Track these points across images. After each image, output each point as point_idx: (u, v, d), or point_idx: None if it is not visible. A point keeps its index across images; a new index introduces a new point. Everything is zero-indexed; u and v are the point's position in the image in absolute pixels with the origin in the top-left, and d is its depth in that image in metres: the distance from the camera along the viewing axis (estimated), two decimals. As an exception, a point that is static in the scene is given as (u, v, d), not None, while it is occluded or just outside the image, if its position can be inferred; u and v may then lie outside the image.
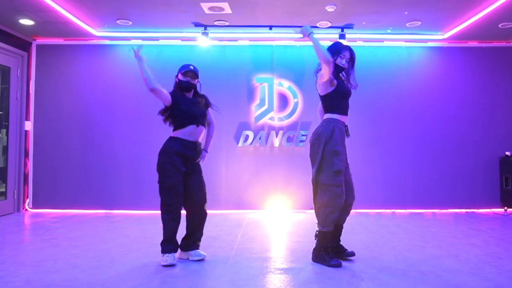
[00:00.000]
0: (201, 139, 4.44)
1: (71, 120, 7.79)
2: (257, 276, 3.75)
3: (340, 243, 4.29)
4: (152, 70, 7.52)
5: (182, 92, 4.36)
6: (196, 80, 4.37)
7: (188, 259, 4.26)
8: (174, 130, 4.34)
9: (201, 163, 4.37)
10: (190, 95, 4.39)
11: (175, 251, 4.21)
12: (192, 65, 4.37)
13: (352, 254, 4.23)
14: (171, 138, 4.30)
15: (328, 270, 3.91)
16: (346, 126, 4.15)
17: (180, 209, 4.20)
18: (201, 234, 4.37)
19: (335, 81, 4.14)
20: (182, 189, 4.17)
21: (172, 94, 4.34)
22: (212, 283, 3.57)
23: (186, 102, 4.30)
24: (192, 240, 4.32)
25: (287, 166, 7.66)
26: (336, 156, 3.95)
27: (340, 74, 4.29)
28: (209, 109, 4.52)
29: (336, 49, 4.22)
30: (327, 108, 4.20)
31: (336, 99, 4.15)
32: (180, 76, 4.34)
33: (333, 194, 3.93)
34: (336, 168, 3.93)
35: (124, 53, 7.87)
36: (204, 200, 4.29)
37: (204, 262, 4.21)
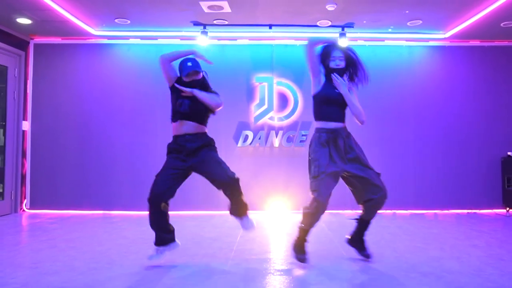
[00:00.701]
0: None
1: (69, 120, 7.79)
2: (256, 278, 3.75)
3: (364, 238, 4.28)
4: (150, 70, 7.75)
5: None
6: (200, 74, 4.20)
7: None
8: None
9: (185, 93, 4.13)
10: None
11: (163, 244, 4.12)
12: (189, 61, 4.13)
13: (368, 256, 4.23)
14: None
15: (329, 271, 3.91)
16: (334, 131, 4.07)
17: (159, 205, 4.02)
18: (237, 205, 4.31)
19: (318, 88, 4.18)
20: (169, 183, 4.06)
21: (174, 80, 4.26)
22: (212, 284, 3.56)
23: (183, 97, 4.17)
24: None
25: (287, 167, 7.66)
26: (312, 163, 4.03)
27: (333, 76, 4.13)
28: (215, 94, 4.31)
29: (325, 53, 4.19)
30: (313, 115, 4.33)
31: (317, 105, 4.19)
32: (184, 78, 4.17)
33: (312, 198, 3.99)
34: (312, 174, 4.02)
35: (123, 53, 7.88)
36: (223, 177, 4.09)
37: (203, 264, 4.20)
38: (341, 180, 4.15)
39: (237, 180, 4.14)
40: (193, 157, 4.08)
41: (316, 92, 4.18)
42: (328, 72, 4.17)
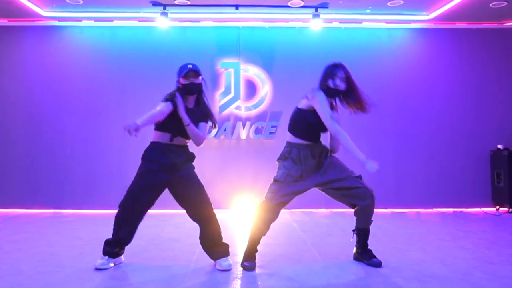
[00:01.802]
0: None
1: (16, 110, 7.64)
2: (222, 283, 3.67)
3: (367, 247, 4.27)
4: (105, 55, 7.64)
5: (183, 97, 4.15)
6: (199, 77, 4.12)
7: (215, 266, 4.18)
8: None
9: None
10: (192, 102, 4.18)
11: (112, 257, 4.12)
12: (190, 64, 4.13)
13: (378, 264, 4.13)
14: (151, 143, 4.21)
15: (301, 276, 3.83)
16: (307, 147, 4.14)
17: (133, 216, 4.12)
18: (210, 241, 4.23)
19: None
20: (147, 199, 4.10)
21: (171, 101, 4.06)
22: None
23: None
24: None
25: (255, 161, 7.55)
26: (282, 168, 4.13)
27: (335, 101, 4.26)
28: (205, 123, 4.26)
29: (329, 72, 4.20)
30: None
31: (299, 121, 4.17)
32: (182, 80, 4.08)
33: (264, 200, 4.14)
34: (276, 176, 4.11)
35: (75, 36, 7.74)
36: (195, 205, 4.15)
37: (164, 268, 4.12)
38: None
39: (211, 207, 4.17)
40: (173, 172, 4.07)
41: (305, 110, 4.13)
42: (327, 92, 4.10)
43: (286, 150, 4.16)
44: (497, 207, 7.50)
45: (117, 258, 4.22)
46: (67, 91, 7.67)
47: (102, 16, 7.57)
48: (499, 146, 7.58)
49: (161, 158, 4.03)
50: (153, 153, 4.08)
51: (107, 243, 4.13)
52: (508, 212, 7.31)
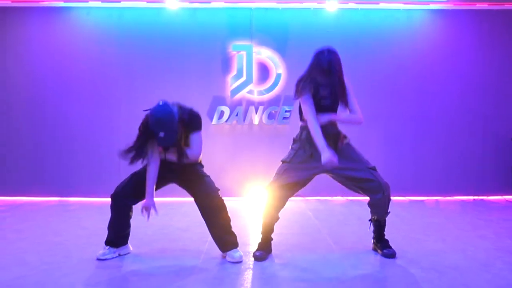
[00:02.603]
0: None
1: (20, 95, 7.65)
2: (233, 274, 3.68)
3: (384, 237, 4.32)
4: (113, 37, 7.64)
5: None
6: (172, 141, 3.95)
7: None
8: None
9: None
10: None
11: (115, 246, 4.19)
12: (161, 133, 3.88)
13: (392, 255, 4.14)
14: None
15: (316, 267, 3.85)
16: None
17: (123, 206, 4.17)
18: (218, 231, 4.23)
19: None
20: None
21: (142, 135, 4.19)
22: (182, 281, 3.50)
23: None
24: None
25: (268, 147, 7.53)
26: (291, 149, 4.25)
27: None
28: (195, 135, 4.13)
29: (317, 59, 4.17)
30: None
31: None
32: (156, 136, 3.96)
33: (271, 181, 4.25)
34: (284, 157, 4.24)
35: (81, 17, 7.69)
36: (199, 194, 4.18)
37: (173, 258, 4.13)
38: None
39: (219, 197, 4.15)
40: (171, 175, 4.20)
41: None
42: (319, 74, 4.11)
43: (298, 133, 4.24)
44: None
45: (124, 248, 4.26)
46: (73, 75, 7.67)
47: None
48: None
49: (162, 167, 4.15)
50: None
51: (108, 231, 4.23)
52: None
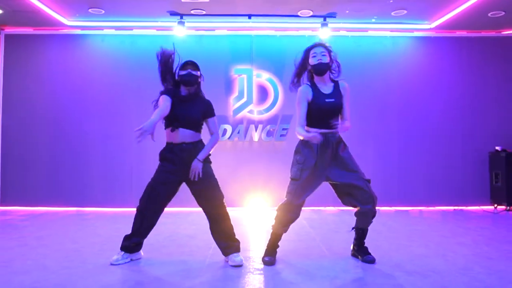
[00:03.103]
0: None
1: (41, 113, 7.72)
2: (235, 277, 3.69)
3: (364, 244, 4.26)
4: (125, 62, 7.72)
5: (177, 88, 4.21)
6: (198, 72, 4.14)
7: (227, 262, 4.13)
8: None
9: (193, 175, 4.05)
10: (191, 91, 4.18)
11: (129, 252, 4.20)
12: (189, 59, 4.18)
13: (371, 261, 4.10)
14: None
15: (310, 270, 3.87)
16: (322, 135, 3.94)
17: (150, 213, 4.15)
18: (221, 236, 4.23)
19: (310, 96, 4.03)
20: (163, 195, 4.13)
21: (168, 94, 4.12)
22: (189, 284, 3.50)
23: (176, 103, 4.10)
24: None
25: (267, 162, 7.60)
26: (295, 164, 4.05)
27: (317, 79, 4.11)
28: (212, 119, 4.28)
29: (304, 53, 4.14)
30: None
31: (308, 112, 4.07)
32: (180, 72, 4.12)
33: (285, 199, 4.08)
34: (292, 175, 4.03)
35: (97, 44, 7.81)
36: (210, 206, 4.17)
37: (180, 262, 4.15)
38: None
39: (224, 205, 4.17)
40: (186, 170, 4.06)
41: (309, 100, 4.02)
42: (312, 72, 4.10)
43: (301, 141, 4.07)
44: (495, 205, 7.58)
45: (136, 254, 4.26)
46: (89, 95, 7.75)
47: (122, 25, 7.64)
48: (497, 147, 7.64)
49: (173, 158, 4.06)
50: (166, 154, 4.12)
51: (126, 238, 4.19)
52: (506, 210, 7.39)
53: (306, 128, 4.04)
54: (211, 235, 4.26)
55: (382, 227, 5.94)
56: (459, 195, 7.82)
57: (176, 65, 4.25)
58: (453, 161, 7.86)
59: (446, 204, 7.80)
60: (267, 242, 4.24)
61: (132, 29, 7.83)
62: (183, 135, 4.07)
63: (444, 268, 3.93)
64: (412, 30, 7.88)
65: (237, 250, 4.17)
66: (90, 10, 6.96)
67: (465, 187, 7.83)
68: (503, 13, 6.95)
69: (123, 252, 4.18)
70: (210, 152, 4.19)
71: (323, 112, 3.99)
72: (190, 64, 4.14)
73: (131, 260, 4.22)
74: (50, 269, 3.92)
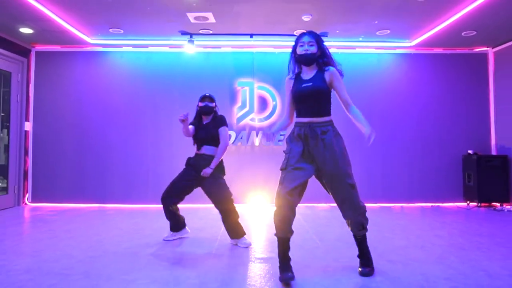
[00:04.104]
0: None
1: (67, 121, 7.77)
2: (239, 265, 3.76)
3: (364, 253, 3.63)
4: (142, 75, 7.75)
5: (200, 118, 4.76)
6: (213, 103, 4.70)
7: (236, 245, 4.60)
8: None
9: (203, 174, 4.56)
10: (208, 119, 4.73)
11: (174, 230, 4.82)
12: (208, 92, 4.77)
13: (365, 274, 3.51)
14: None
15: (305, 259, 3.91)
16: (306, 125, 3.49)
17: (168, 205, 4.64)
18: (229, 226, 4.62)
19: (290, 85, 3.61)
20: (180, 190, 4.66)
21: (193, 123, 4.75)
22: (198, 271, 3.56)
23: (198, 128, 4.71)
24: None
25: (266, 164, 7.61)
26: (285, 156, 3.52)
27: (304, 69, 3.57)
28: (221, 128, 4.66)
29: (295, 42, 3.61)
30: None
31: (292, 102, 3.64)
32: (199, 104, 4.70)
33: (276, 191, 3.43)
34: (280, 166, 3.48)
35: (116, 60, 7.85)
36: (218, 202, 4.55)
37: (190, 252, 4.22)
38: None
39: (231, 202, 4.56)
40: (199, 171, 4.57)
41: (290, 90, 3.57)
42: (298, 61, 3.57)
43: (290, 131, 3.57)
44: (468, 202, 7.63)
45: (183, 232, 4.89)
46: (110, 105, 7.80)
47: (139, 43, 7.68)
48: (469, 151, 7.69)
49: (194, 162, 4.66)
50: (191, 160, 4.74)
51: (169, 221, 4.77)
52: (477, 206, 7.45)
53: (295, 119, 3.57)
54: (217, 229, 4.58)
55: (368, 222, 5.94)
56: (436, 193, 7.84)
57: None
58: (431, 163, 7.88)
59: (425, 201, 7.83)
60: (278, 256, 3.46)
61: (147, 47, 7.86)
62: (205, 149, 4.66)
63: (422, 258, 3.98)
64: (394, 48, 7.91)
65: (244, 234, 4.61)
66: (110, 30, 6.99)
67: (441, 186, 7.86)
68: (475, 32, 6.99)
69: (171, 232, 4.81)
70: (221, 159, 4.71)
71: (301, 97, 3.46)
72: (208, 97, 4.69)
73: (180, 237, 4.87)
74: (76, 257, 4.01)
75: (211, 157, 4.62)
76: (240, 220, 4.62)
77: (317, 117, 3.47)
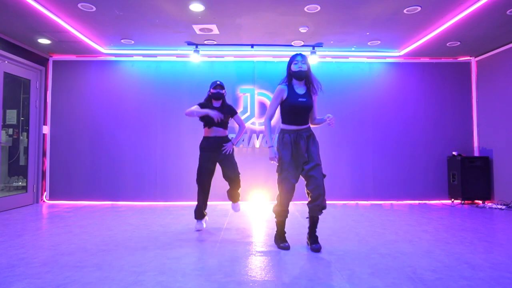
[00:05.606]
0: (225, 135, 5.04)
1: (82, 125, 7.76)
2: (240, 258, 3.76)
3: (315, 233, 4.11)
4: (151, 82, 7.74)
5: (210, 102, 5.01)
6: (223, 90, 4.98)
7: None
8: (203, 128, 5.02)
9: (226, 151, 4.94)
10: (218, 103, 5.01)
11: (201, 218, 5.06)
12: (219, 81, 5.01)
13: (316, 249, 3.96)
14: (203, 137, 5.04)
15: (302, 252, 3.92)
16: (295, 132, 4.03)
17: (205, 185, 4.93)
18: (234, 193, 5.17)
19: (285, 95, 4.02)
20: (208, 171, 4.94)
21: (202, 105, 4.93)
22: (202, 263, 3.56)
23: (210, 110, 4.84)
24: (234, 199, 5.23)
25: (266, 164, 7.58)
26: (278, 161, 4.04)
27: (295, 82, 4.04)
28: (236, 116, 5.11)
29: (289, 60, 4.07)
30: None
31: (284, 110, 4.08)
32: (212, 90, 4.96)
33: (278, 192, 4.09)
34: (277, 170, 4.07)
35: (127, 68, 7.83)
36: (232, 174, 4.95)
37: (196, 246, 4.20)
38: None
39: (239, 177, 5.04)
40: (219, 153, 4.93)
41: (284, 99, 4.00)
42: (291, 76, 4.04)
43: (279, 136, 4.06)
44: (452, 200, 7.61)
45: (204, 219, 5.15)
46: (121, 110, 7.78)
47: (149, 53, 7.66)
48: (454, 153, 7.70)
49: (207, 145, 4.94)
50: (204, 144, 4.98)
51: (195, 211, 5.04)
52: (461, 203, 7.44)
53: (281, 125, 4.12)
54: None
55: (360, 218, 5.95)
56: (423, 192, 7.82)
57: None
58: (418, 163, 7.86)
59: (413, 198, 7.81)
60: (276, 233, 4.32)
61: (156, 56, 7.84)
62: (216, 131, 4.94)
63: (411, 251, 3.98)
64: (384, 57, 7.89)
65: (239, 200, 5.30)
66: (122, 40, 6.98)
67: (428, 185, 7.84)
68: (459, 43, 6.99)
69: (196, 221, 5.08)
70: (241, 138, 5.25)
71: (296, 109, 3.96)
72: (219, 85, 4.97)
73: (203, 226, 5.10)
74: (90, 251, 4.01)
75: (224, 137, 4.99)
76: (241, 212, 5.05)
77: (304, 125, 4.05)
